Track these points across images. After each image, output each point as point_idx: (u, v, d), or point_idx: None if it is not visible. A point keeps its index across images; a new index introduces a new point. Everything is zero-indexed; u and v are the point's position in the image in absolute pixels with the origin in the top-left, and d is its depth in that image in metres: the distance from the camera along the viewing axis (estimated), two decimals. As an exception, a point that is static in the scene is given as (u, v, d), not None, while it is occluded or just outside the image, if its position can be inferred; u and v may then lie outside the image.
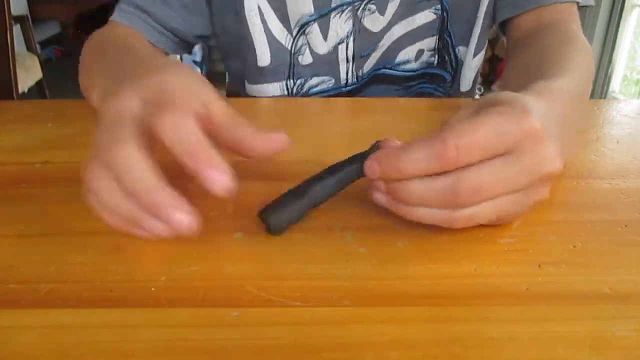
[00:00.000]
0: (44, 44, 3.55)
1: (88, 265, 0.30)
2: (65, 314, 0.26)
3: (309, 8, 0.60)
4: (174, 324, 0.26)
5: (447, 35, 0.65)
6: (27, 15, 2.50)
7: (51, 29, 3.84)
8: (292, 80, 0.65)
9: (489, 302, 0.27)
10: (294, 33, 0.62)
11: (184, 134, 0.28)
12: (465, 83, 0.68)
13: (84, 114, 0.52)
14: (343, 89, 0.66)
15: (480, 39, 0.65)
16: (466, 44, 0.66)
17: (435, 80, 0.68)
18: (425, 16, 0.63)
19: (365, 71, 0.65)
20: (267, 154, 0.31)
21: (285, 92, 0.66)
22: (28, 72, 2.19)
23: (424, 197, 0.29)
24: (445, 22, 0.64)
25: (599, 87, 2.60)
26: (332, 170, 0.33)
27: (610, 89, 2.56)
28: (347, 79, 0.65)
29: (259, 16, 0.61)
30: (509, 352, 0.24)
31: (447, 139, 0.27)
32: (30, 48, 2.38)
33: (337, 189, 0.33)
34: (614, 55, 2.50)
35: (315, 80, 0.65)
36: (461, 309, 0.27)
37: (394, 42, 0.64)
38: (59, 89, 2.81)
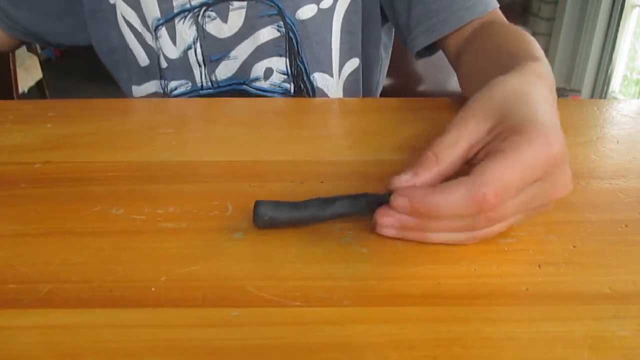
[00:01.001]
0: (44, 44, 3.55)
1: (88, 265, 0.30)
2: (65, 314, 0.26)
3: (156, 12, 0.62)
4: (174, 324, 0.26)
5: (299, 62, 0.63)
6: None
7: (51, 29, 3.84)
8: (163, 81, 0.66)
9: (489, 302, 0.27)
10: (153, 35, 0.64)
11: None
12: None
13: (84, 114, 0.52)
14: (200, 91, 0.66)
15: (341, 57, 0.64)
16: (325, 68, 0.64)
17: None
18: (269, 33, 0.62)
19: (220, 78, 0.65)
20: None
21: (161, 91, 0.67)
22: (28, 72, 2.19)
23: (448, 228, 0.30)
24: (296, 45, 0.62)
25: (599, 87, 2.60)
26: (336, 198, 0.33)
27: (610, 89, 2.56)
28: (202, 83, 0.65)
29: (124, 22, 0.64)
30: (509, 352, 0.24)
31: (486, 188, 0.27)
32: (30, 48, 2.38)
33: (333, 216, 0.33)
34: (614, 55, 2.50)
35: (173, 83, 0.66)
36: (461, 309, 0.27)
37: (247, 58, 0.63)
38: (59, 89, 2.81)
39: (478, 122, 0.31)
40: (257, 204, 0.32)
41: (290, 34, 0.62)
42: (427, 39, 0.59)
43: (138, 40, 0.65)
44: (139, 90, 0.68)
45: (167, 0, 0.61)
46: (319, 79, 0.65)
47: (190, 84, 0.65)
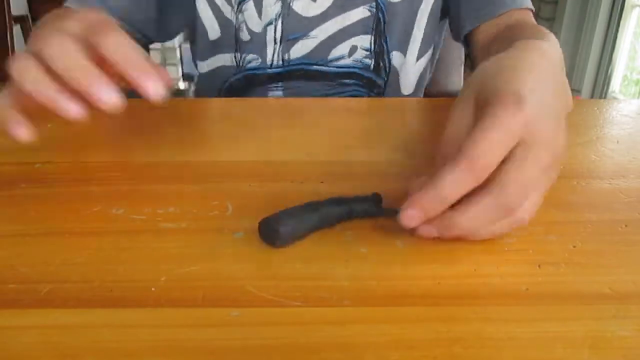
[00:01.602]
0: (44, 44, 3.55)
1: (88, 265, 0.30)
2: (65, 314, 0.26)
3: None
4: (174, 324, 0.26)
5: (383, 40, 0.65)
6: (27, 15, 2.49)
7: (51, 29, 3.83)
8: (238, 54, 0.67)
9: (489, 302, 0.27)
10: (235, 8, 0.64)
11: (126, 48, 0.32)
12: (407, 86, 0.69)
13: (84, 114, 0.52)
14: (268, 70, 0.67)
15: (423, 43, 0.66)
16: (403, 49, 0.66)
17: (369, 85, 0.68)
18: (360, 12, 0.63)
19: (292, 57, 0.65)
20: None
21: (234, 64, 0.68)
22: (28, 72, 2.18)
23: (482, 218, 0.29)
24: (382, 24, 0.64)
25: (599, 87, 2.60)
26: (344, 200, 0.33)
27: (610, 89, 2.56)
28: (272, 61, 0.66)
29: None
30: (509, 352, 0.24)
31: (469, 154, 0.28)
32: (30, 48, 2.38)
33: (347, 218, 0.33)
34: (614, 55, 2.50)
35: (250, 56, 0.67)
36: (461, 309, 0.27)
37: (328, 38, 0.64)
38: (59, 89, 2.81)
39: (464, 106, 0.32)
40: (272, 223, 0.30)
41: (379, 13, 0.63)
42: (474, 22, 0.60)
43: (214, 13, 0.65)
44: (203, 65, 0.69)
45: None
46: (396, 57, 0.66)
47: (260, 60, 0.66)
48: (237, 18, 0.64)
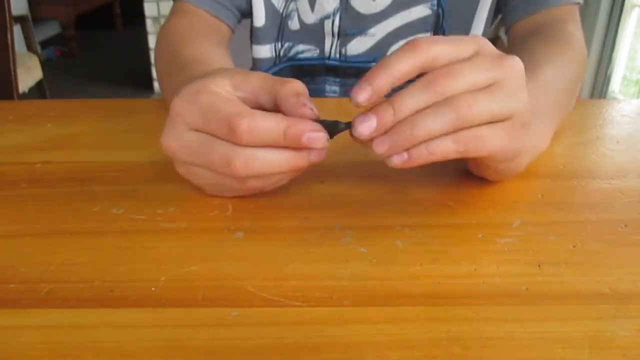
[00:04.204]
0: (44, 44, 3.55)
1: (88, 265, 0.30)
2: (65, 314, 0.26)
3: None
4: (174, 324, 0.26)
5: (441, 34, 0.65)
6: (27, 15, 2.50)
7: (51, 29, 3.84)
8: (280, 43, 0.67)
9: (489, 302, 0.27)
10: None
11: (263, 133, 0.30)
12: None
13: (84, 114, 0.52)
14: (327, 61, 0.67)
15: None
16: None
17: None
18: (421, 11, 0.63)
19: (349, 53, 0.66)
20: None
21: (273, 54, 0.67)
22: (28, 72, 2.19)
23: (429, 124, 0.29)
24: (440, 20, 0.64)
25: (599, 87, 2.60)
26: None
27: (610, 89, 2.56)
28: (330, 53, 0.67)
29: None
30: (509, 352, 0.24)
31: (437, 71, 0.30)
32: (30, 48, 2.38)
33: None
34: (613, 55, 2.50)
35: (301, 47, 0.67)
36: (461, 309, 0.27)
37: (387, 35, 0.64)
38: (59, 89, 2.81)
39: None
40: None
41: (439, 10, 0.63)
42: (524, 10, 0.59)
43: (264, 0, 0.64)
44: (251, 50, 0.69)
45: None
46: None
47: (318, 51, 0.67)
48: (287, 7, 0.64)
